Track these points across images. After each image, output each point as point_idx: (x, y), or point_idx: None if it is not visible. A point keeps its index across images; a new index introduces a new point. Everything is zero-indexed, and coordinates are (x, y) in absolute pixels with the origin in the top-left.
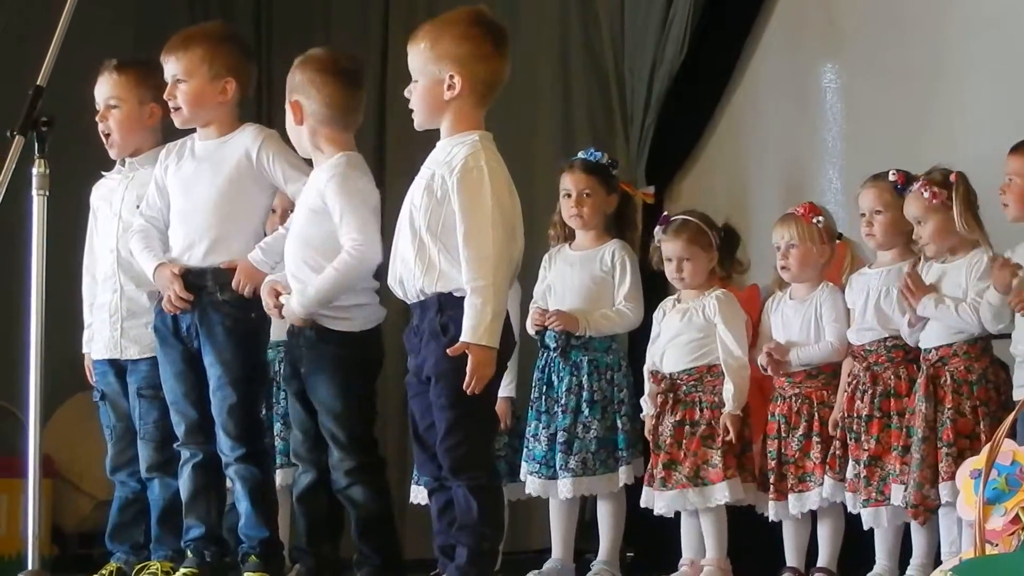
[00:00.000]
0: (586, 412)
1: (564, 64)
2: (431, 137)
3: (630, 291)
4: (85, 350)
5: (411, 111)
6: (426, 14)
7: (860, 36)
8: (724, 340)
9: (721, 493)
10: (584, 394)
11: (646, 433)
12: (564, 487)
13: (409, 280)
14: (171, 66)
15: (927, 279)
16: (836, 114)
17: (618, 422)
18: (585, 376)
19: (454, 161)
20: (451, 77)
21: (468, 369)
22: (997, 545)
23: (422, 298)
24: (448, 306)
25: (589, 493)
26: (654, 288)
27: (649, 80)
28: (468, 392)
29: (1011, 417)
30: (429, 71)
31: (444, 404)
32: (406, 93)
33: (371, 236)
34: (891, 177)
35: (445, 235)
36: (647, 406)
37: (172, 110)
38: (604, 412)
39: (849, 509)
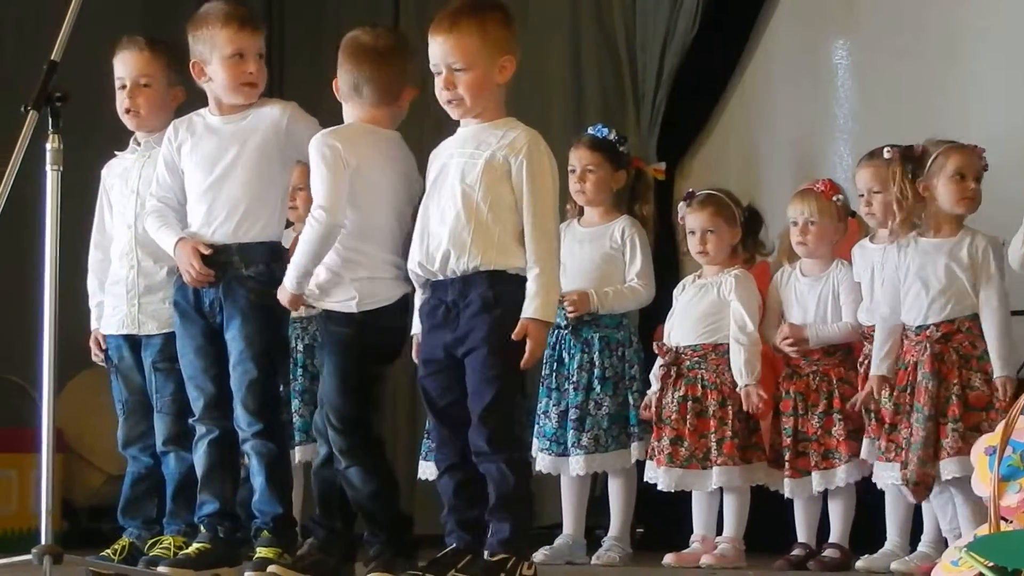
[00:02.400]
0: (598, 389)
1: (575, 39)
2: (436, 119)
3: (641, 268)
4: (94, 326)
5: (450, 102)
6: None
7: (874, 12)
8: (735, 316)
9: (717, 478)
10: (596, 371)
11: (642, 408)
12: (576, 464)
13: (459, 257)
14: (258, 43)
15: (910, 255)
16: (848, 90)
17: (630, 398)
18: (596, 353)
19: (517, 143)
20: (505, 61)
21: (529, 344)
22: (1012, 522)
23: (468, 273)
24: (498, 281)
25: (601, 470)
26: (669, 266)
27: (660, 55)
28: (523, 366)
29: None
30: (483, 57)
31: (492, 376)
32: (443, 83)
33: (330, 198)
34: (886, 155)
35: (504, 214)
36: (655, 382)
37: (251, 86)
38: (616, 388)
39: (880, 484)
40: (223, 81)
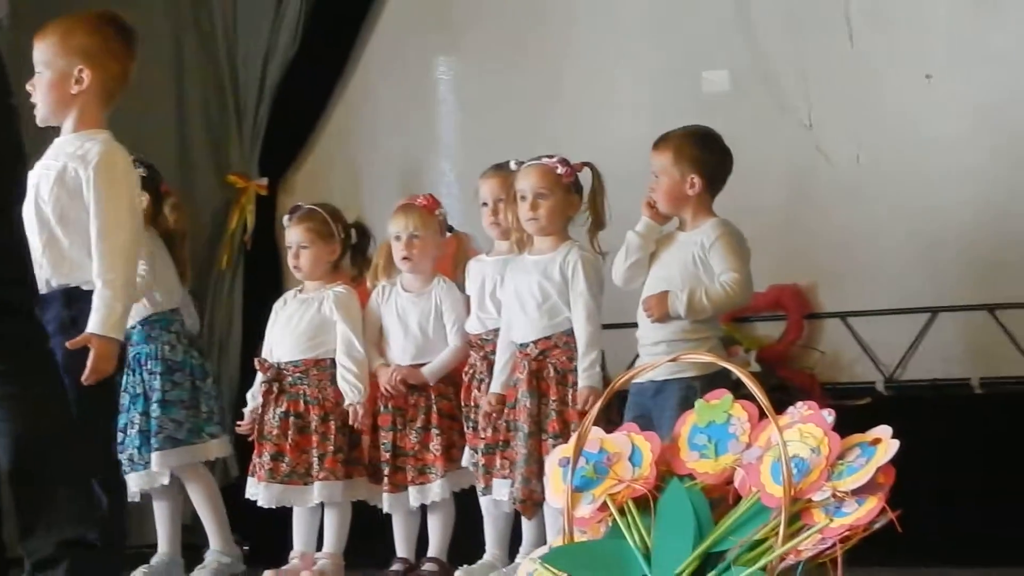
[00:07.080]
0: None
1: (176, 54)
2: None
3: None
4: None
5: (34, 105)
6: None
7: (475, 28)
8: (342, 337)
9: (319, 493)
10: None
11: (243, 426)
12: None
13: (36, 272)
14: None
15: (513, 272)
16: (450, 106)
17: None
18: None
19: (89, 155)
20: (80, 71)
21: (90, 361)
22: (586, 532)
23: (47, 290)
24: (76, 299)
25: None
26: (271, 283)
27: (262, 69)
28: (84, 382)
29: (598, 404)
30: (58, 64)
31: (73, 398)
32: (28, 87)
33: None
34: (512, 166)
35: (78, 229)
36: (251, 400)
37: None
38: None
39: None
40: None
